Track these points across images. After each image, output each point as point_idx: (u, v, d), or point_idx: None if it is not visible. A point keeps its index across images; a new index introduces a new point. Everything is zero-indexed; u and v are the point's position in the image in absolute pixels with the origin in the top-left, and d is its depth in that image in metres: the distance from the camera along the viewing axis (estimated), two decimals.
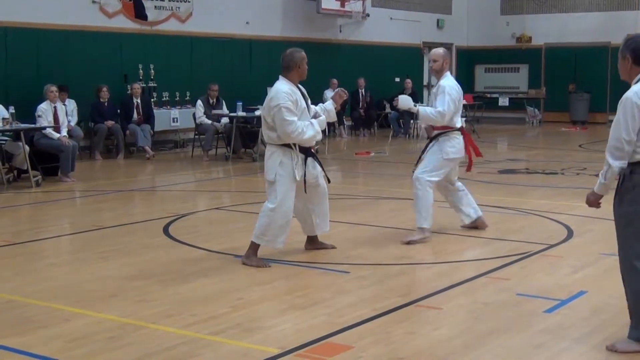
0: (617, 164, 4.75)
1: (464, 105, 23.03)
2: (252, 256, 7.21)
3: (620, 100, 4.82)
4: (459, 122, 8.30)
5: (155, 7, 18.22)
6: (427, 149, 8.34)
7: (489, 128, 24.44)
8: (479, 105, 26.12)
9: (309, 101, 7.39)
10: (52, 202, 11.24)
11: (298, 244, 8.02)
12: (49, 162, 13.22)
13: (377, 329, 5.44)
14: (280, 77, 7.23)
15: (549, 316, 5.71)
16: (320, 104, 7.66)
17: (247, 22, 20.22)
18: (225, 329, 5.42)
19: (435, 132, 8.30)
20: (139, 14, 17.91)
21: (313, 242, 7.83)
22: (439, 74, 8.28)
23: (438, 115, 8.06)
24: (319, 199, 7.56)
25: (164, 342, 5.16)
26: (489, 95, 27.65)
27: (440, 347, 5.07)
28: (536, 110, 26.77)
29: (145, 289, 6.46)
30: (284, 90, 7.06)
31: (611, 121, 17.27)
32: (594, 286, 6.48)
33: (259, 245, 7.22)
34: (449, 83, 8.17)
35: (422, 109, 8.20)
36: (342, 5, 22.38)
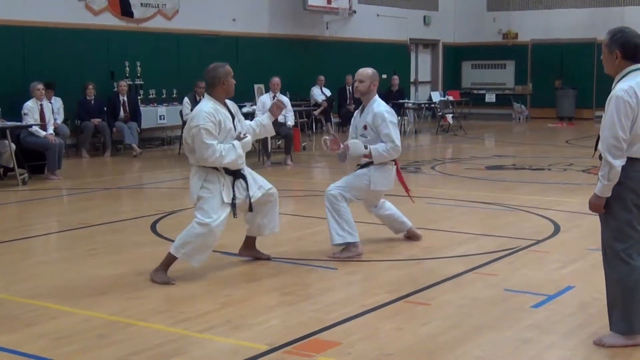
0: (618, 163, 4.69)
1: (451, 102, 23.26)
2: (161, 271, 6.61)
3: (609, 98, 4.80)
4: None
5: (142, 4, 18.16)
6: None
7: (476, 124, 24.50)
8: (465, 101, 26.19)
9: (239, 118, 6.90)
10: (39, 200, 11.20)
11: (284, 241, 8.03)
12: (35, 160, 13.18)
13: (365, 325, 5.45)
14: (205, 95, 6.79)
15: (537, 311, 5.73)
16: (257, 118, 7.23)
17: (233, 19, 20.19)
18: (214, 326, 5.43)
19: (366, 160, 7.51)
20: (125, 11, 17.85)
21: (248, 248, 7.31)
22: (365, 96, 7.53)
23: (393, 150, 7.37)
24: (268, 205, 7.09)
25: (152, 339, 5.15)
26: (475, 92, 27.72)
27: (429, 343, 5.08)
28: (523, 106, 26.83)
29: (133, 286, 6.45)
30: (205, 110, 6.54)
31: (598, 117, 17.32)
32: (581, 281, 6.51)
33: (174, 259, 6.63)
34: (385, 109, 7.47)
35: (375, 150, 7.36)
36: (329, 2, 22.38)
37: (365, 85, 7.52)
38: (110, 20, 17.59)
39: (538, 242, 8.00)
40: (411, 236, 8.10)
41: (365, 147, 7.41)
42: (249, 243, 7.32)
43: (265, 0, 21.21)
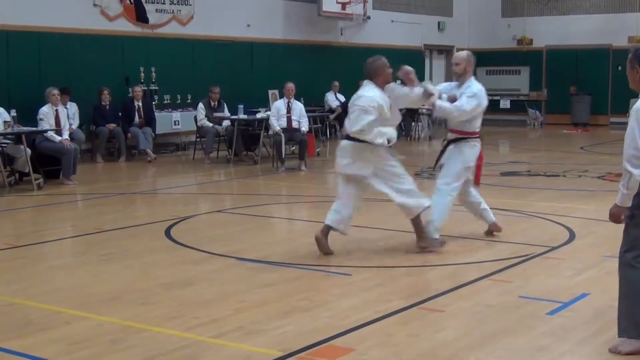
0: (638, 172, 4.72)
1: None
2: (426, 239, 7.68)
3: (633, 109, 4.83)
4: (479, 128, 8.12)
5: (157, 10, 18.22)
6: (446, 152, 8.10)
7: (491, 130, 24.34)
8: None
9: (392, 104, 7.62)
10: (54, 205, 11.23)
11: (298, 247, 8.03)
12: (50, 165, 13.22)
13: (379, 331, 5.43)
14: (366, 81, 7.57)
15: (552, 318, 5.70)
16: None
17: (248, 25, 20.23)
18: (228, 331, 5.42)
19: (455, 135, 8.06)
20: (140, 17, 17.92)
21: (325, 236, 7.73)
22: (461, 78, 8.02)
23: (457, 111, 7.83)
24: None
25: (166, 344, 5.16)
26: (490, 98, 27.46)
27: (443, 350, 5.07)
28: (537, 112, 26.76)
29: (147, 291, 6.46)
30: (372, 95, 7.42)
31: (613, 123, 17.44)
32: (597, 288, 6.48)
33: (423, 226, 7.70)
34: (472, 90, 7.93)
35: (439, 102, 7.81)
36: (343, 8, 22.38)
37: (461, 67, 7.99)
38: (126, 26, 17.66)
39: (553, 248, 7.96)
40: (494, 230, 8.52)
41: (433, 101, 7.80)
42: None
43: (279, 6, 21.25)
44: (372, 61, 7.64)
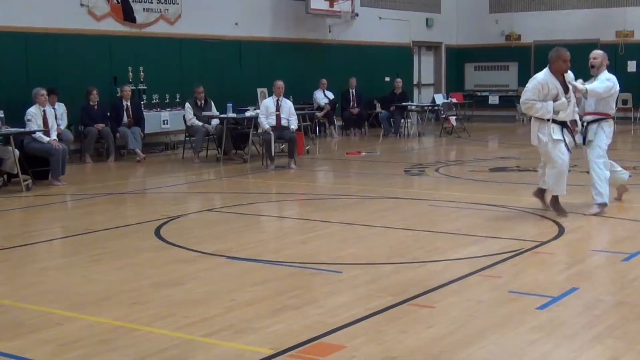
0: None
1: (455, 104, 23.27)
2: (557, 205, 9.29)
3: None
4: (613, 110, 9.46)
5: (144, 9, 18.19)
6: (591, 131, 9.44)
7: (480, 126, 24.47)
8: (469, 103, 26.17)
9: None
10: (43, 206, 11.21)
11: (288, 245, 8.03)
12: (39, 165, 13.18)
13: (369, 328, 5.44)
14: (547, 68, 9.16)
15: (542, 313, 5.72)
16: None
17: (236, 23, 20.21)
18: (218, 330, 5.42)
19: (595, 117, 9.40)
20: (128, 16, 17.89)
21: (539, 195, 9.75)
22: (597, 70, 9.47)
23: (600, 88, 9.27)
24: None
25: (156, 344, 5.15)
26: (479, 94, 27.70)
27: (433, 346, 5.07)
28: None
29: (137, 291, 6.45)
30: (538, 79, 9.11)
31: None
32: (586, 283, 6.50)
33: (555, 196, 9.27)
34: (605, 75, 9.37)
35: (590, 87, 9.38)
36: (331, 5, 22.38)
37: (598, 61, 9.53)
38: (113, 26, 17.62)
39: (542, 243, 7.99)
40: (622, 191, 10.17)
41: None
42: (541, 190, 9.75)
43: (267, 4, 21.24)
44: (554, 50, 9.26)
